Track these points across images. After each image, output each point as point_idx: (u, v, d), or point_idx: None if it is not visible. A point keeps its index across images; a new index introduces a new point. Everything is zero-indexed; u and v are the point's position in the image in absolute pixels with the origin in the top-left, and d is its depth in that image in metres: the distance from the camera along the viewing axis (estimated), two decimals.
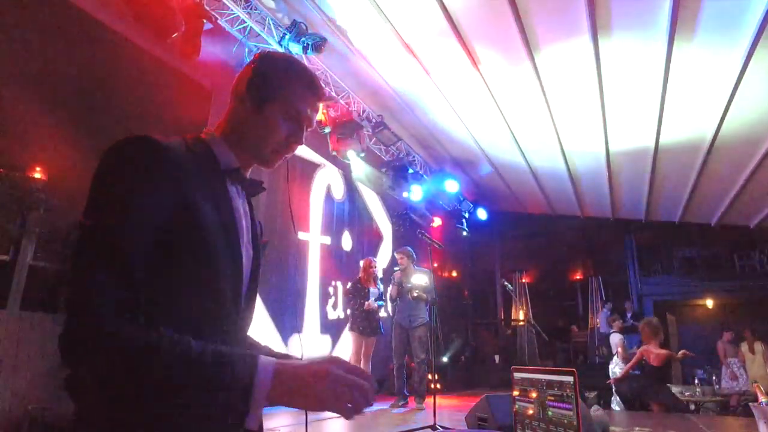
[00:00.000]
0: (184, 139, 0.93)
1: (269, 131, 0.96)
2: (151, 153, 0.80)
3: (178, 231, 0.79)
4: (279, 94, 0.96)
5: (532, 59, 4.72)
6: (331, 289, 4.81)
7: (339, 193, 4.98)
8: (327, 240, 4.84)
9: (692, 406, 5.30)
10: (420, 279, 5.29)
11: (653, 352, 4.66)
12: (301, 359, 0.75)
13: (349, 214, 5.18)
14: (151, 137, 0.82)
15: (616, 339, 6.62)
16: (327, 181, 4.90)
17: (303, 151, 4.83)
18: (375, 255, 6.13)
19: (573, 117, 5.80)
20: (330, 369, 0.69)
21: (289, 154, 1.02)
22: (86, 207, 0.78)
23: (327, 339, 4.57)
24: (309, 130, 1.03)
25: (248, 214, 1.01)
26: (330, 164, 5.23)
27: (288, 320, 4.33)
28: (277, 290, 4.32)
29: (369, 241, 5.45)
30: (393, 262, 5.82)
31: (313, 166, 4.87)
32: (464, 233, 8.67)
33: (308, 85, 0.99)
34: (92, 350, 0.68)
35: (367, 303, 5.21)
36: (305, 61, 5.11)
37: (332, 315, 4.61)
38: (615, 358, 6.21)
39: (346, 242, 5.01)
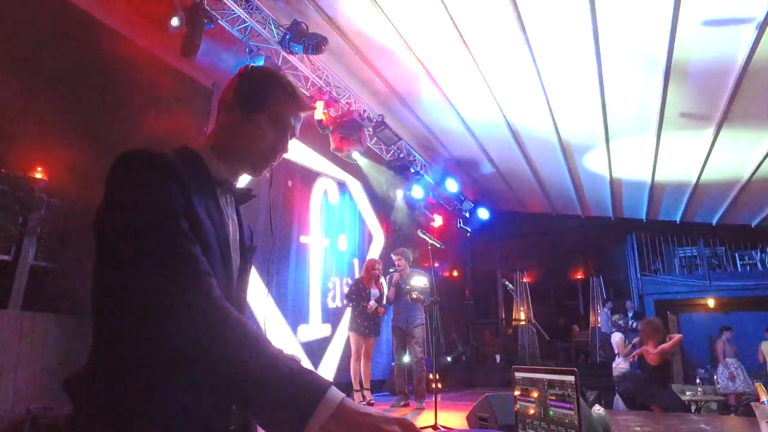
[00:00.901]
0: (173, 151, 0.96)
1: (257, 140, 1.01)
2: (159, 162, 0.84)
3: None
4: (265, 104, 1.01)
5: (533, 58, 4.72)
6: (330, 284, 5.25)
7: (334, 198, 5.42)
8: (326, 242, 5.29)
9: (693, 406, 5.29)
10: (419, 281, 5.28)
11: (651, 352, 4.67)
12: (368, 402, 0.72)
13: (343, 217, 5.56)
14: (152, 150, 0.86)
15: (616, 338, 6.67)
16: (324, 187, 5.31)
17: (304, 159, 5.14)
18: (367, 254, 6.29)
19: (575, 117, 5.80)
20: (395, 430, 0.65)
21: (276, 162, 1.07)
22: (113, 207, 0.79)
23: (328, 327, 5.06)
24: (293, 137, 1.09)
25: (236, 222, 1.05)
26: (326, 173, 5.49)
27: (295, 312, 4.64)
28: (285, 287, 4.65)
29: (361, 241, 5.84)
30: (386, 262, 6.09)
31: (314, 175, 5.24)
32: (467, 233, 8.67)
33: (292, 96, 1.05)
34: (194, 309, 0.69)
35: (369, 305, 5.23)
36: (306, 61, 5.11)
37: (332, 305, 5.13)
38: (618, 357, 6.26)
39: (342, 243, 5.48)
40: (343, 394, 0.68)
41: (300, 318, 4.64)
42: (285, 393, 0.65)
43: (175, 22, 3.61)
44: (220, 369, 0.67)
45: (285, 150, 1.06)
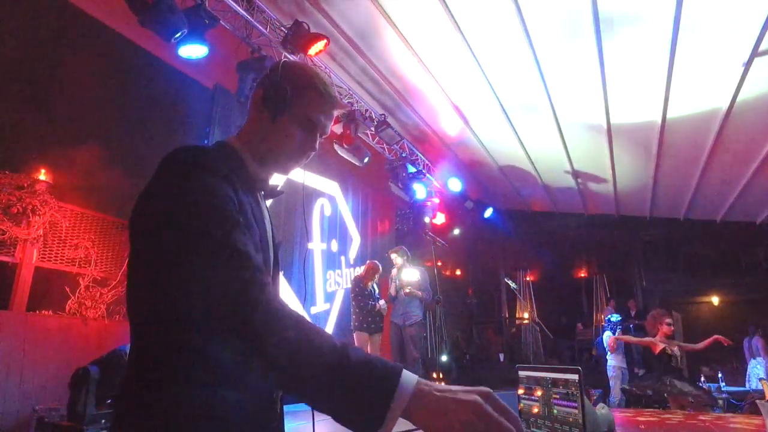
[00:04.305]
0: (214, 149, 0.97)
1: (285, 140, 1.00)
2: (212, 161, 0.84)
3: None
4: (293, 103, 0.99)
5: (535, 56, 4.71)
6: (328, 275, 6.38)
7: (328, 211, 6.62)
8: (324, 246, 6.40)
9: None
10: (411, 275, 5.33)
11: (656, 344, 4.73)
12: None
13: (334, 225, 6.73)
14: (200, 148, 0.86)
15: (606, 337, 6.81)
16: (321, 204, 6.53)
17: (310, 182, 6.42)
18: (347, 253, 6.93)
19: (577, 115, 5.78)
20: (477, 401, 0.63)
21: (305, 161, 1.06)
22: (166, 207, 0.78)
23: (328, 304, 6.27)
24: (324, 137, 1.06)
25: (269, 219, 1.05)
26: (323, 192, 6.65)
27: (305, 296, 5.77)
28: (298, 279, 5.51)
29: (346, 243, 6.94)
30: (361, 258, 6.94)
31: (316, 195, 6.50)
32: (462, 233, 8.67)
33: (322, 94, 1.02)
34: (261, 319, 0.68)
35: (378, 305, 5.37)
36: (308, 61, 5.12)
37: (330, 290, 6.36)
38: (609, 354, 6.39)
39: (334, 246, 6.61)
40: (416, 376, 0.67)
41: (310, 299, 5.96)
42: (364, 381, 0.64)
43: (178, 35, 3.53)
44: (290, 367, 0.66)
45: (314, 149, 1.04)
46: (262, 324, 0.67)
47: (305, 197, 6.20)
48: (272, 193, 1.07)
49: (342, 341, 0.70)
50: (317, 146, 1.04)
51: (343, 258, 6.80)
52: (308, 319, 0.73)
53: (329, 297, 6.48)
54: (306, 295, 5.78)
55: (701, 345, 5.01)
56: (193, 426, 0.74)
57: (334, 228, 6.73)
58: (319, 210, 6.54)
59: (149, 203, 0.81)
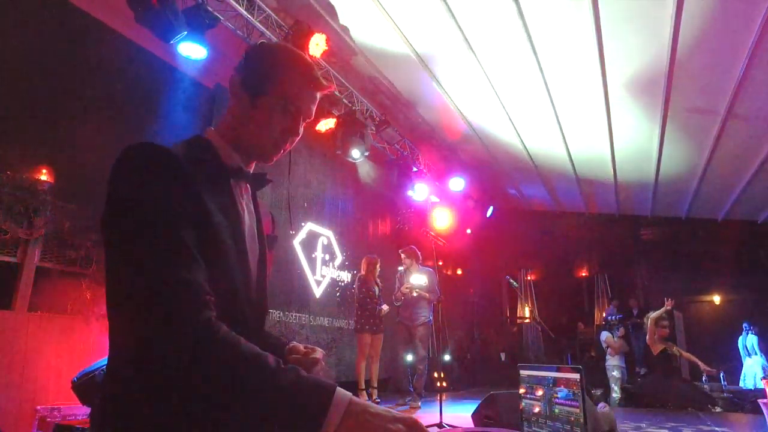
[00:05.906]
0: (184, 142, 0.92)
1: (264, 126, 0.94)
2: (163, 158, 0.80)
3: (195, 233, 0.79)
4: (272, 87, 0.93)
5: (534, 54, 4.70)
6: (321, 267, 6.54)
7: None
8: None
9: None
10: (419, 279, 5.34)
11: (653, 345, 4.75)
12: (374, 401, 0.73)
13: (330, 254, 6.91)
14: (155, 144, 0.81)
15: (604, 336, 6.78)
16: (323, 242, 6.70)
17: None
18: (335, 262, 6.90)
19: (577, 114, 5.78)
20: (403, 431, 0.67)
21: (288, 148, 0.99)
22: (114, 211, 0.76)
23: (319, 290, 6.47)
24: (307, 121, 1.00)
25: (252, 211, 1.00)
26: (324, 233, 6.75)
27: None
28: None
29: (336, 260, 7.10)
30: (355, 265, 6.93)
31: (318, 235, 6.60)
32: (467, 231, 8.67)
33: (303, 76, 0.96)
34: (185, 349, 0.66)
35: (382, 309, 5.39)
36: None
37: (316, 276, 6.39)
38: (608, 354, 6.39)
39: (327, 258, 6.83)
40: (350, 394, 0.68)
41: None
42: (294, 406, 0.65)
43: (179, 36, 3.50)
44: (217, 399, 0.66)
45: (296, 134, 0.97)
46: (185, 352, 0.66)
47: (308, 237, 6.41)
48: (259, 182, 1.02)
49: (276, 362, 0.68)
50: (300, 131, 0.98)
51: (331, 263, 6.96)
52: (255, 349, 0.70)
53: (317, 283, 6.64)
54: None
55: (701, 364, 5.16)
56: (176, 427, 0.74)
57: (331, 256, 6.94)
58: (321, 247, 6.75)
59: (106, 204, 0.78)
